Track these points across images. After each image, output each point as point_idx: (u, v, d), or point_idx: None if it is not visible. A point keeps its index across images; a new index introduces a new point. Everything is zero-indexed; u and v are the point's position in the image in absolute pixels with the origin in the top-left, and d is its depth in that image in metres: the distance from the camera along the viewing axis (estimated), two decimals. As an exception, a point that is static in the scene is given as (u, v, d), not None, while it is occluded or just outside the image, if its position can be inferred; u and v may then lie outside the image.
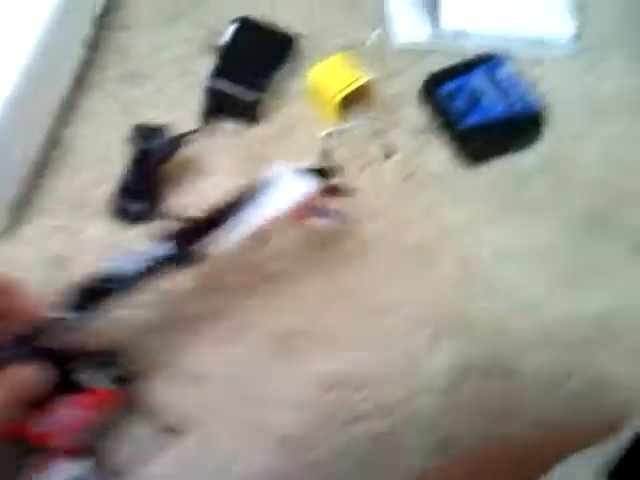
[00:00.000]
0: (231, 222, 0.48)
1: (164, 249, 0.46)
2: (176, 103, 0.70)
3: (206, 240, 0.47)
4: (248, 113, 0.68)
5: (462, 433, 0.55)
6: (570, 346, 0.60)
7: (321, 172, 0.53)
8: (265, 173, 0.51)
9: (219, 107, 0.68)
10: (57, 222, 0.64)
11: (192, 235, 0.47)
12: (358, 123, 0.69)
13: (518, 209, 0.66)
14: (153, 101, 0.70)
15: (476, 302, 0.61)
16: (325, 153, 0.67)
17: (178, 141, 0.63)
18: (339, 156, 0.68)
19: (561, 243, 0.65)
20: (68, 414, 0.47)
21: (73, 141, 0.68)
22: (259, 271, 0.61)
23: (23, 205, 0.65)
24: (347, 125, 0.69)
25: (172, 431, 0.53)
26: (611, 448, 0.38)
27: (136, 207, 0.62)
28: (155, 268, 0.46)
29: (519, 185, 0.68)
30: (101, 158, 0.67)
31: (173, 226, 0.48)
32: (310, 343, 0.58)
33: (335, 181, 0.55)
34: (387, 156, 0.68)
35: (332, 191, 0.54)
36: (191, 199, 0.64)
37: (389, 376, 0.58)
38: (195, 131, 0.65)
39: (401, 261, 0.63)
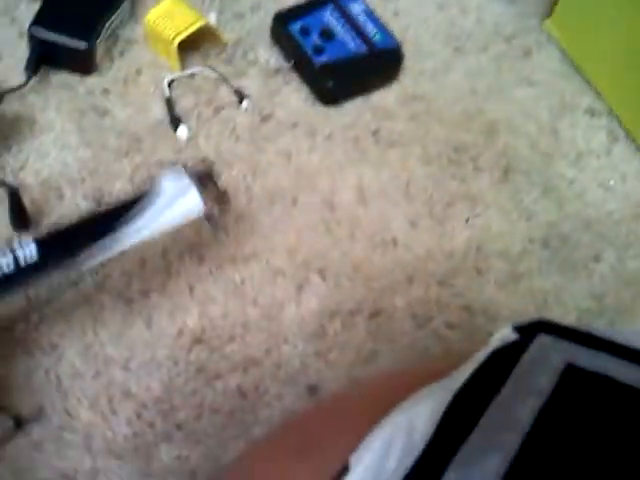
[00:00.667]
0: (108, 237, 0.43)
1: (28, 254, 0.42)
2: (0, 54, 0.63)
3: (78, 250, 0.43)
4: (81, 62, 0.62)
5: (330, 377, 0.52)
6: (439, 280, 0.58)
7: (204, 177, 0.49)
8: (152, 183, 0.47)
9: (47, 57, 0.61)
10: None
11: (63, 243, 0.44)
12: (205, 68, 0.65)
13: (380, 147, 0.64)
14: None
15: (339, 245, 0.58)
16: (170, 102, 0.62)
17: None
18: (187, 103, 0.63)
19: (425, 177, 0.63)
20: None
21: None
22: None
23: None
24: (194, 70, 0.64)
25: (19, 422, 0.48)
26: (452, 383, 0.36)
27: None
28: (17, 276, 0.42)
29: (380, 123, 0.65)
30: None
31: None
32: (165, 301, 0.54)
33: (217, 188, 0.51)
34: (240, 100, 0.64)
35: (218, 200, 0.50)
36: (29, 159, 0.58)
37: (254, 327, 0.54)
38: (21, 86, 0.59)
39: (260, 208, 0.59)
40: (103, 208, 0.46)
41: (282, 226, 0.59)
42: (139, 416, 0.49)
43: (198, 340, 0.53)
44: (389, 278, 0.58)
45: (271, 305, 0.55)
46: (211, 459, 0.48)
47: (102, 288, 0.53)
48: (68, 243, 0.44)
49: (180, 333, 0.52)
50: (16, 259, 0.43)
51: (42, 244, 0.43)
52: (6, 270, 0.42)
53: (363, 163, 0.63)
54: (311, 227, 0.59)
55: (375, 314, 0.56)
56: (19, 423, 0.48)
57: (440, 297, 0.57)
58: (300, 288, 0.56)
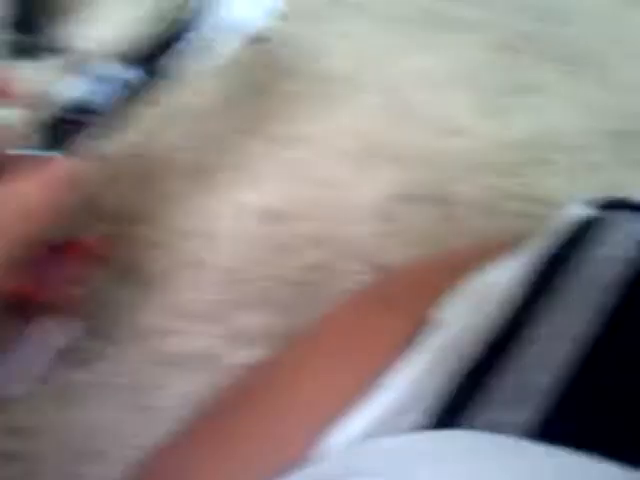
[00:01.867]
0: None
1: (130, 72, 0.40)
2: None
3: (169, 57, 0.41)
4: None
5: (398, 259, 0.53)
6: (504, 170, 0.58)
7: None
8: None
9: None
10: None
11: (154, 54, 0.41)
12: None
13: (446, 32, 0.62)
14: None
15: (403, 131, 0.58)
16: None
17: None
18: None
19: (492, 65, 0.62)
20: (57, 268, 0.43)
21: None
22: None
23: None
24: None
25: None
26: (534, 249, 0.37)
27: (27, 40, 0.55)
28: (127, 94, 0.40)
29: (447, 8, 0.63)
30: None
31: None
32: (237, 177, 0.55)
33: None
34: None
35: None
36: (87, 29, 0.58)
37: (319, 208, 0.54)
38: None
39: (320, 93, 0.59)
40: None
41: (346, 109, 0.59)
42: (217, 283, 0.50)
43: (266, 217, 0.54)
44: (455, 166, 0.58)
45: (340, 185, 0.56)
46: (291, 327, 0.50)
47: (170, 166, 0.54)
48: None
49: (250, 208, 0.53)
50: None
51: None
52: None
53: (426, 48, 0.61)
54: (376, 112, 0.59)
55: (443, 201, 0.56)
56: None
57: (505, 186, 0.57)
58: (366, 171, 0.56)
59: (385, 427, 0.32)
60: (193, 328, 0.49)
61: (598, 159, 0.60)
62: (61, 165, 0.35)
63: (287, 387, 0.36)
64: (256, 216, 0.54)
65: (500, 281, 0.36)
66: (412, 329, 0.35)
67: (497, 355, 0.31)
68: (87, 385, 0.46)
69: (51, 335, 0.44)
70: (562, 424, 0.28)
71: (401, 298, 0.39)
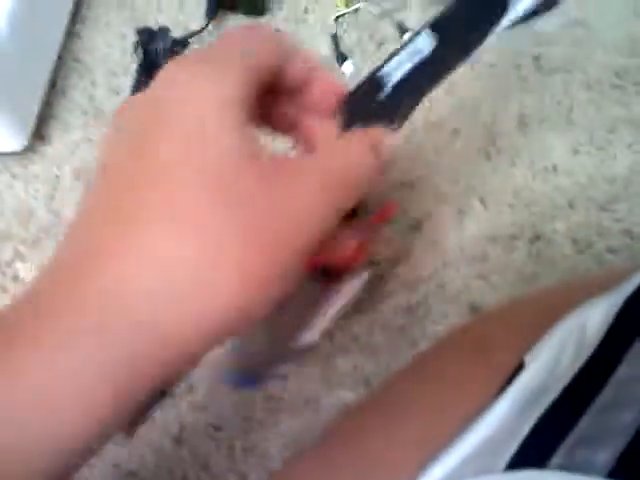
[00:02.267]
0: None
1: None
2: (181, 3, 0.69)
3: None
4: (254, 5, 0.67)
5: (492, 298, 0.55)
6: (600, 205, 0.59)
7: None
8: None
9: (223, 2, 0.66)
10: (79, 135, 0.65)
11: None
12: (367, 3, 0.67)
13: (541, 73, 0.64)
14: (158, 3, 0.69)
15: (499, 173, 0.60)
16: (336, 38, 0.66)
17: (184, 41, 0.62)
18: (352, 39, 0.66)
19: (587, 103, 0.63)
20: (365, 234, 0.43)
21: (84, 53, 0.68)
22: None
23: (44, 122, 0.66)
24: (357, 5, 0.67)
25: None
26: (626, 289, 0.38)
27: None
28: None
29: (541, 49, 0.65)
30: (114, 66, 0.67)
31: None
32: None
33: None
34: (401, 33, 0.66)
35: None
36: None
37: (418, 251, 0.58)
38: (202, 30, 0.64)
39: (423, 138, 0.62)
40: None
41: (444, 153, 0.62)
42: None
43: (369, 262, 0.57)
44: (549, 204, 0.59)
45: (434, 229, 0.59)
46: (384, 368, 0.54)
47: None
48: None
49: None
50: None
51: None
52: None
53: (524, 91, 0.64)
54: (472, 155, 0.62)
55: (535, 239, 0.58)
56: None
57: (601, 222, 0.58)
58: (462, 213, 0.59)
59: (469, 468, 0.35)
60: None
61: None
62: (381, 134, 0.33)
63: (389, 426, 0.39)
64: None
65: (594, 321, 0.38)
66: (506, 375, 0.38)
67: (582, 396, 0.33)
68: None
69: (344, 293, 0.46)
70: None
71: (496, 342, 0.41)
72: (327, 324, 0.45)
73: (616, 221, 0.59)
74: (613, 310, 0.37)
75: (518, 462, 0.32)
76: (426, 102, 0.37)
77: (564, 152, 0.61)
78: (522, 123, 0.63)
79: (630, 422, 0.31)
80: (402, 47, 0.36)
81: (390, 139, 0.34)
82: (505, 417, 0.35)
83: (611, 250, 0.57)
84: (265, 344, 0.43)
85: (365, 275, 0.48)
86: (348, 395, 0.53)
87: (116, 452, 0.52)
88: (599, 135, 0.62)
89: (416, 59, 0.36)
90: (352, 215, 0.40)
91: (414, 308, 0.56)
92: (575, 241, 0.58)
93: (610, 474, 0.29)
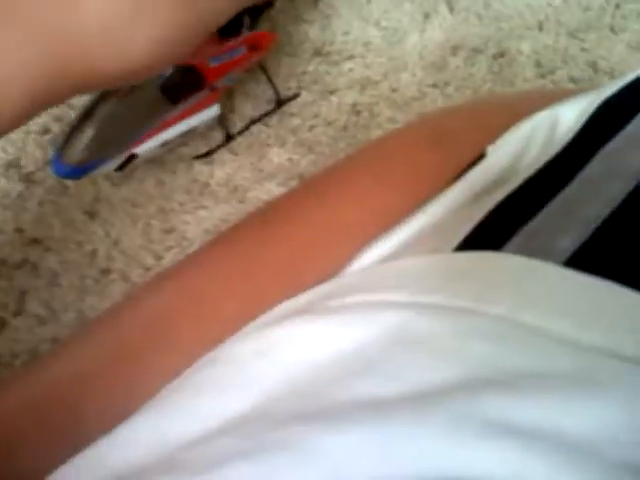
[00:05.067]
0: None
1: None
2: None
3: None
4: None
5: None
6: (569, 32, 0.55)
7: None
8: None
9: None
10: None
11: None
12: None
13: None
14: None
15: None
16: None
17: None
18: None
19: None
20: (234, 52, 0.44)
21: None
22: None
23: None
24: None
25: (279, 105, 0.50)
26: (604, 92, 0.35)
27: None
28: None
29: None
30: None
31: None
32: (291, 9, 0.53)
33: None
34: None
35: None
36: None
37: (374, 49, 0.53)
38: None
39: None
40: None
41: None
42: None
43: (318, 53, 0.52)
44: (519, 22, 0.55)
45: (395, 30, 0.54)
46: (320, 166, 0.50)
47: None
48: None
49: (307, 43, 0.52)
50: None
51: None
52: None
53: None
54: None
55: (499, 55, 0.54)
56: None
57: (568, 49, 0.55)
58: (427, 17, 0.54)
59: (412, 250, 0.32)
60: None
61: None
62: None
63: (326, 203, 0.36)
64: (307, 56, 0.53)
65: (566, 119, 0.35)
66: (463, 165, 0.35)
67: (546, 188, 0.31)
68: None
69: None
70: (602, 253, 0.27)
71: (457, 135, 0.38)
72: (165, 138, 0.43)
73: (583, 50, 0.55)
74: (588, 110, 0.34)
75: (471, 244, 0.29)
76: None
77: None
78: None
79: (594, 215, 0.29)
80: None
81: None
82: (458, 202, 0.32)
83: (573, 79, 0.54)
84: (106, 136, 0.40)
85: (215, 109, 0.46)
86: (278, 189, 0.49)
87: (22, 217, 0.47)
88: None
89: None
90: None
91: (362, 109, 0.52)
92: (539, 64, 0.54)
93: (568, 261, 0.27)
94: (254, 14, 0.43)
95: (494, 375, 0.22)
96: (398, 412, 0.23)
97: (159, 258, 0.47)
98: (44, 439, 0.32)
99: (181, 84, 0.42)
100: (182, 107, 0.43)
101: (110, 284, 0.46)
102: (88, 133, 0.39)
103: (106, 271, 0.46)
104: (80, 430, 0.33)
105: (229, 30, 0.41)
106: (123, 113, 0.40)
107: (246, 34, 0.43)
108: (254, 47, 0.45)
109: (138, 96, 0.40)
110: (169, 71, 0.41)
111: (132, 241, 0.46)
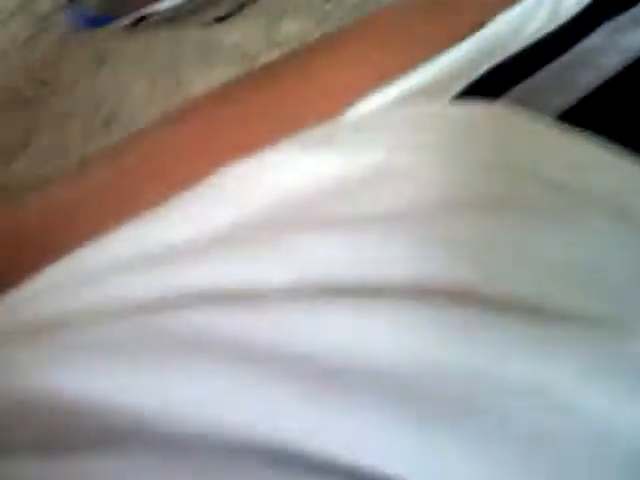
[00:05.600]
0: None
1: None
2: None
3: None
4: None
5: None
6: None
7: None
8: None
9: None
10: None
11: None
12: None
13: None
14: None
15: None
16: None
17: None
18: None
19: None
20: None
21: None
22: None
23: None
24: None
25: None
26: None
27: None
28: None
29: None
30: None
31: None
32: None
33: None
34: None
35: None
36: None
37: None
38: None
39: None
40: None
41: None
42: None
43: None
44: None
45: None
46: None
47: None
48: None
49: None
50: None
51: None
52: None
53: None
54: None
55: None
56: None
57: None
58: None
59: (408, 102, 0.33)
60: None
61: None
62: None
63: (319, 64, 0.36)
64: None
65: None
66: (464, 31, 0.35)
67: (545, 55, 0.31)
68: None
69: None
70: (589, 115, 0.28)
71: (454, 5, 0.38)
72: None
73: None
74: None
75: (467, 95, 0.30)
76: None
77: None
78: None
79: (591, 80, 0.30)
80: None
81: None
82: (457, 60, 0.33)
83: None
84: None
85: None
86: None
87: (31, 60, 0.47)
88: None
89: None
90: None
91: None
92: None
93: (561, 117, 0.28)
94: None
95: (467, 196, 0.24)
96: (373, 225, 0.24)
97: (164, 111, 0.47)
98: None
99: None
100: None
101: (113, 134, 0.47)
102: None
103: (111, 119, 0.47)
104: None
105: None
106: None
107: None
108: None
109: None
110: None
111: (139, 92, 0.47)
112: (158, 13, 0.43)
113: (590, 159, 0.27)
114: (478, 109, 0.29)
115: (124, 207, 0.35)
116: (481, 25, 0.34)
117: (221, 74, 0.48)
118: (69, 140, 0.46)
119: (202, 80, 0.47)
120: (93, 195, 0.35)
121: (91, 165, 0.38)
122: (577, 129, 0.27)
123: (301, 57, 0.38)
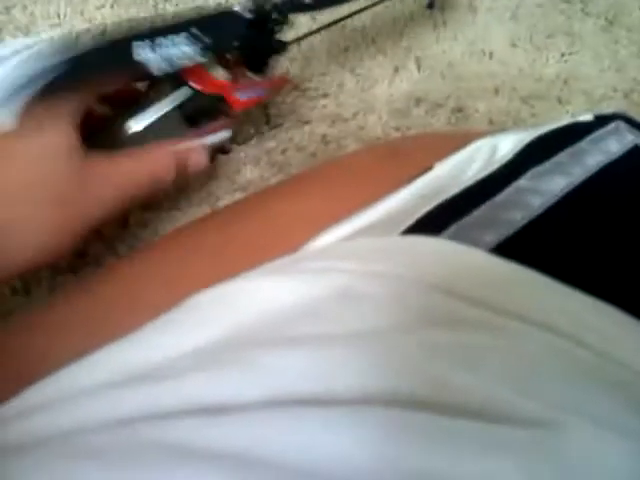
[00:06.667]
0: None
1: None
2: None
3: None
4: None
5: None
6: (522, 98, 0.62)
7: None
8: None
9: None
10: None
11: None
12: None
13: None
14: None
15: (441, 44, 0.62)
16: None
17: None
18: None
19: (535, 6, 0.66)
20: (257, 90, 0.47)
21: None
22: None
23: None
24: None
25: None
26: (540, 129, 0.41)
27: None
28: None
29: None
30: None
31: None
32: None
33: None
34: None
35: None
36: None
37: (347, 91, 0.59)
38: None
39: None
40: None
41: (389, 15, 0.63)
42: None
43: (296, 87, 0.58)
44: (478, 84, 0.62)
45: (367, 77, 0.60)
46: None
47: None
48: None
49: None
50: None
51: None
52: None
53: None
54: (420, 21, 0.63)
55: (457, 110, 0.61)
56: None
57: (519, 113, 0.62)
58: (396, 70, 0.61)
59: (365, 235, 0.37)
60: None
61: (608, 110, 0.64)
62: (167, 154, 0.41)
63: (282, 198, 0.41)
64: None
65: (505, 145, 0.40)
66: (412, 175, 0.40)
67: (480, 195, 0.36)
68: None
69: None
70: (523, 248, 0.33)
71: (409, 152, 0.44)
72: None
73: (532, 115, 0.62)
74: (524, 140, 0.40)
75: (412, 231, 0.34)
76: None
77: (504, 43, 0.64)
78: (472, 6, 0.65)
79: (519, 219, 0.34)
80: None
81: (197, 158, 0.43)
82: (406, 201, 0.37)
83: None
84: None
85: (228, 133, 0.49)
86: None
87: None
88: (538, 37, 0.65)
89: None
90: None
91: (331, 140, 0.57)
92: (492, 122, 0.61)
93: (493, 250, 0.33)
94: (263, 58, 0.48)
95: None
96: (337, 342, 0.27)
97: (131, 247, 0.51)
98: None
99: (207, 110, 0.45)
100: (197, 130, 0.45)
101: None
102: None
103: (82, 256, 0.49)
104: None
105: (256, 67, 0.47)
106: None
107: (272, 75, 0.48)
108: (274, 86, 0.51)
109: None
110: (189, 94, 0.44)
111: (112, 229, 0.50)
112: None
113: (525, 286, 0.31)
114: (424, 242, 0.33)
115: (101, 331, 0.37)
116: (427, 169, 0.39)
117: (185, 215, 0.52)
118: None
119: (168, 221, 0.51)
120: (75, 319, 0.37)
121: (71, 293, 0.41)
122: (509, 260, 0.31)
123: (265, 198, 0.43)
